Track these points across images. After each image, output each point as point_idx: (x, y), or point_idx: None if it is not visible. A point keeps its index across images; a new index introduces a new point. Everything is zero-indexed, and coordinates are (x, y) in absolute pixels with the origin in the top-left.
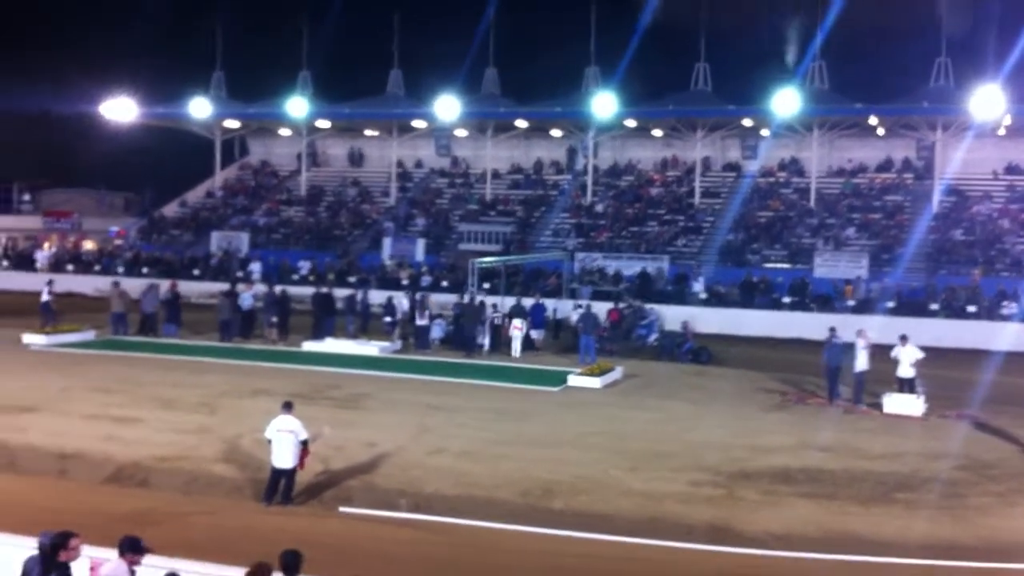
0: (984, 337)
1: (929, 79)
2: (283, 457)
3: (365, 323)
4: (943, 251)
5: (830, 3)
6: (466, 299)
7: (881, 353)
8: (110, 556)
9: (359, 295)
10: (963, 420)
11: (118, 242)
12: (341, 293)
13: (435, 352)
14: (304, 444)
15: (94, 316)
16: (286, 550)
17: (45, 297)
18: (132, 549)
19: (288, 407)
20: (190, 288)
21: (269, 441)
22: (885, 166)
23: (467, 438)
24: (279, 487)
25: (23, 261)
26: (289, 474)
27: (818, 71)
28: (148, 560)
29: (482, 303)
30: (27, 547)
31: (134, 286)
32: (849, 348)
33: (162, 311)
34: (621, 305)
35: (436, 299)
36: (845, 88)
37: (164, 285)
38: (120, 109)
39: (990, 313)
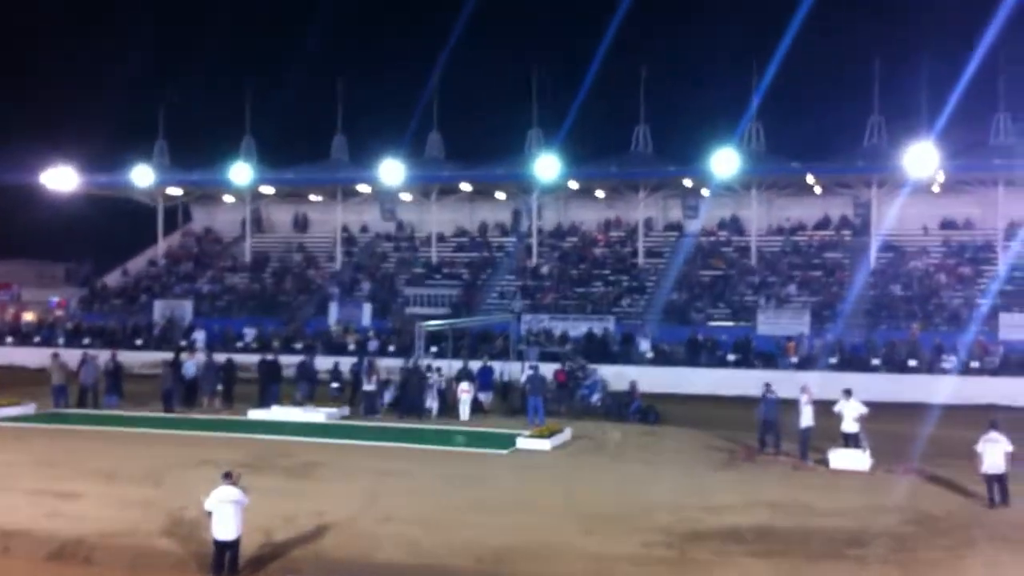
0: (925, 390)
1: (863, 138)
2: (227, 528)
3: (313, 389)
4: (882, 306)
5: (766, 65)
6: (410, 364)
7: (825, 409)
8: None
9: (308, 361)
10: (909, 474)
11: (59, 313)
12: (288, 360)
13: (383, 417)
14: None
15: (35, 389)
16: None
17: None
18: None
19: (228, 477)
20: (133, 358)
21: (209, 513)
22: (823, 223)
23: (418, 505)
24: (225, 561)
25: None
26: (234, 545)
27: (755, 132)
28: None
29: (428, 367)
30: None
31: (74, 357)
32: (785, 403)
33: (102, 382)
34: (567, 365)
35: (384, 364)
36: (782, 148)
37: (104, 356)
38: (61, 178)
39: (930, 367)
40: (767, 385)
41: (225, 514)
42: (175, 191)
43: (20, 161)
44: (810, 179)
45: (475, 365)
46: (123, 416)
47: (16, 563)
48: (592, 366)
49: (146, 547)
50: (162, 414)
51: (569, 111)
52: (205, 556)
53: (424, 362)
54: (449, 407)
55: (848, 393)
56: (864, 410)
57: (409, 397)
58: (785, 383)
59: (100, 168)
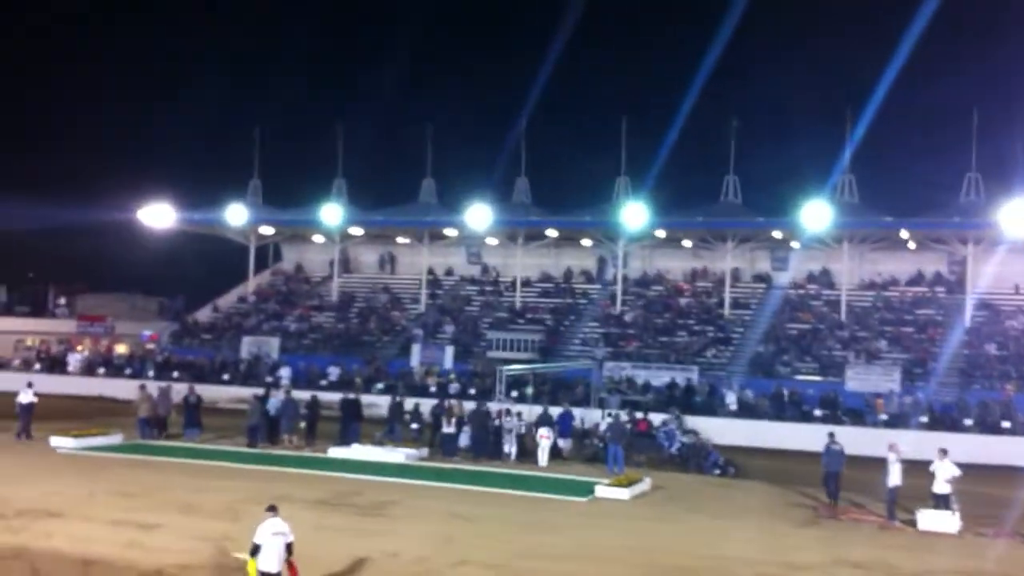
0: (1019, 453)
1: (959, 193)
2: (274, 561)
3: (392, 429)
4: (976, 365)
5: (859, 117)
6: (479, 407)
7: (914, 468)
8: None
9: (399, 401)
10: (1000, 538)
11: (150, 346)
12: (369, 399)
13: (462, 460)
14: (289, 548)
15: (123, 420)
16: None
17: (29, 398)
18: None
19: (273, 510)
20: (219, 392)
21: (257, 547)
22: (916, 279)
23: (492, 549)
24: None
25: (55, 364)
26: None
27: (848, 184)
28: None
29: (508, 411)
30: None
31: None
32: (866, 460)
33: (179, 413)
34: (668, 417)
35: (466, 407)
36: (875, 202)
37: (183, 389)
38: (157, 215)
39: None
40: (831, 435)
41: (274, 547)
42: (267, 230)
43: (119, 198)
44: (904, 234)
45: (555, 411)
46: (205, 449)
47: None
48: (667, 416)
49: None
50: (244, 448)
51: (657, 159)
52: None
53: (504, 406)
54: (528, 452)
55: (944, 452)
56: (957, 472)
57: (476, 437)
58: (873, 441)
59: (195, 206)
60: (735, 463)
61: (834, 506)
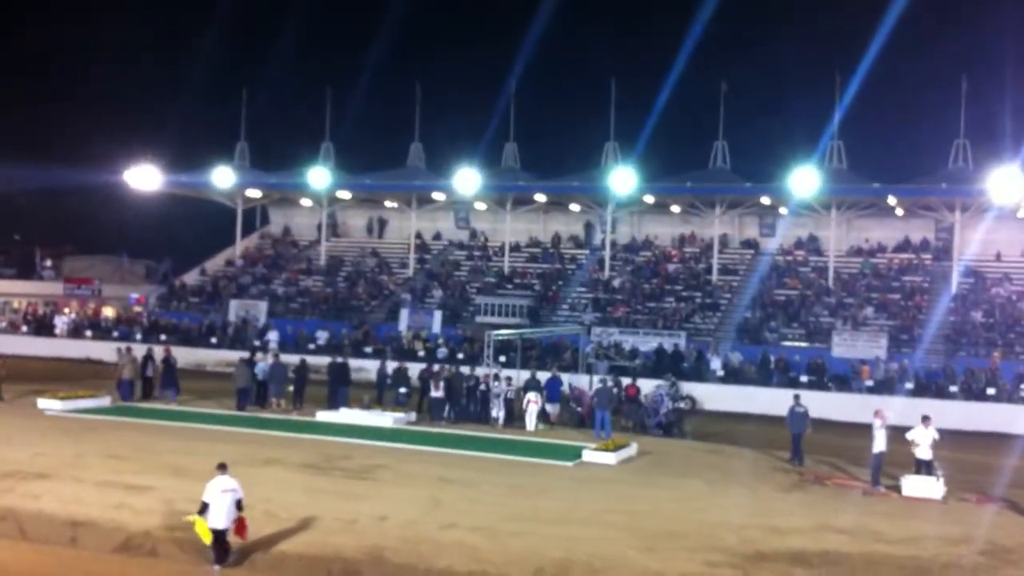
0: (1004, 420)
1: (948, 160)
2: (221, 517)
3: (381, 394)
4: (962, 333)
5: (848, 84)
6: (450, 368)
7: (899, 435)
8: None
9: (387, 366)
10: (984, 504)
11: (137, 309)
12: (357, 364)
13: (450, 425)
14: (239, 504)
15: (110, 382)
16: None
17: None
18: None
19: (223, 468)
20: (207, 356)
21: (205, 505)
22: (903, 246)
23: (480, 513)
24: (225, 547)
25: (43, 327)
26: (224, 533)
27: (836, 151)
28: None
29: (496, 375)
30: None
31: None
32: (855, 427)
33: (159, 376)
34: (662, 383)
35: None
36: (863, 168)
37: (158, 351)
38: (144, 177)
39: (1010, 396)
40: (796, 397)
41: (222, 504)
42: (254, 193)
43: (104, 160)
44: (891, 201)
45: (543, 376)
46: (193, 412)
47: (83, 554)
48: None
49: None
50: (232, 412)
51: (646, 125)
52: (271, 554)
53: (492, 371)
54: (515, 417)
55: (927, 420)
56: (936, 436)
57: (452, 400)
58: (859, 407)
59: (182, 168)
60: (682, 427)
61: (798, 466)
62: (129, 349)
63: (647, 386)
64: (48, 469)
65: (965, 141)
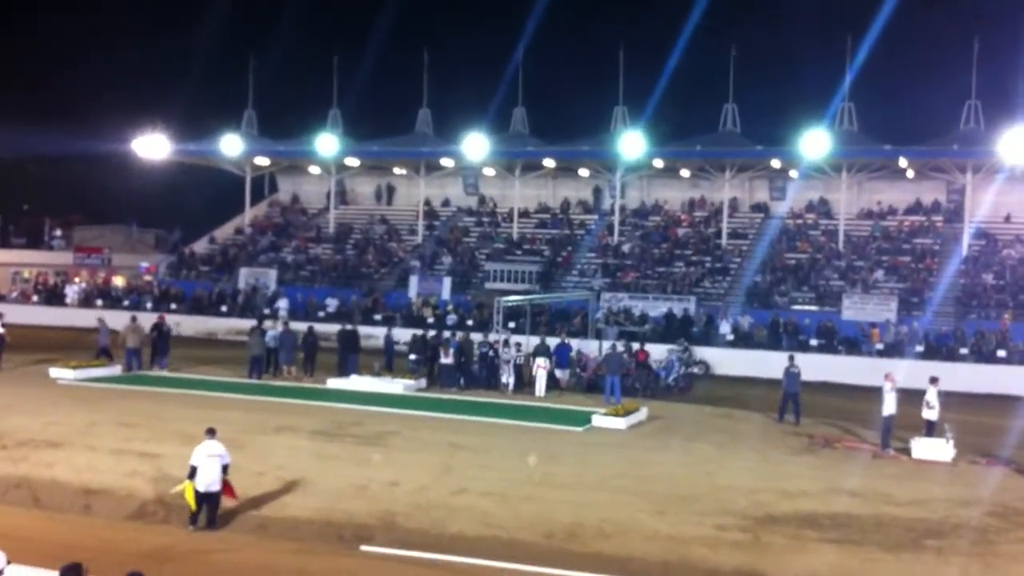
0: (1014, 382)
1: (959, 121)
2: (212, 481)
3: (390, 361)
4: (972, 295)
5: (859, 45)
6: (459, 335)
7: (908, 398)
8: None
9: (393, 332)
10: (993, 466)
11: (147, 278)
12: (367, 331)
13: (460, 391)
14: (225, 469)
15: (119, 351)
16: None
17: None
18: None
19: (211, 432)
20: (217, 324)
21: (193, 469)
22: (914, 209)
23: (491, 479)
24: (202, 510)
25: (53, 296)
26: (213, 497)
27: (847, 113)
28: None
29: (505, 341)
30: None
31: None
32: (862, 390)
33: (153, 345)
34: (675, 347)
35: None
36: (874, 130)
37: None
38: (152, 146)
39: (1020, 358)
40: (790, 358)
41: (210, 468)
42: (262, 161)
43: (113, 129)
44: (903, 163)
45: (552, 342)
46: (205, 380)
47: (97, 521)
48: (670, 348)
49: (224, 509)
50: (244, 380)
51: (656, 89)
52: (283, 520)
53: (501, 337)
54: (525, 383)
55: (935, 380)
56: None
57: (461, 366)
58: (869, 370)
59: (190, 137)
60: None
61: (795, 425)
62: (134, 318)
63: (656, 351)
64: (61, 438)
65: (977, 102)
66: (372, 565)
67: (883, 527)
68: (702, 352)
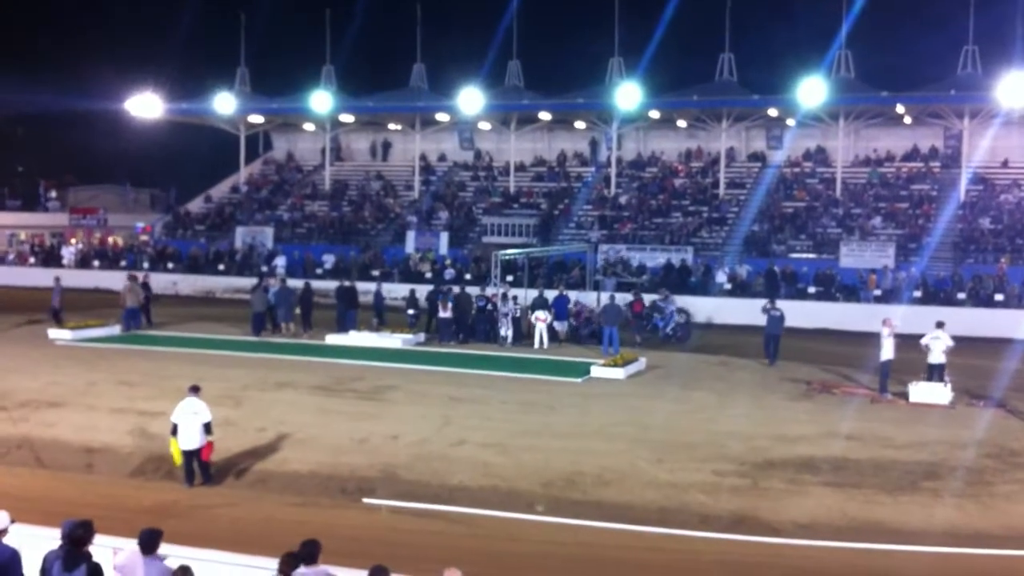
0: (1011, 326)
1: (956, 67)
2: (190, 438)
3: (380, 314)
4: (970, 240)
5: None
6: (456, 289)
7: (906, 343)
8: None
9: (379, 288)
10: (990, 408)
11: (144, 238)
12: (365, 287)
13: (458, 345)
14: (207, 428)
15: (117, 311)
16: (305, 540)
17: None
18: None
19: (195, 390)
20: (215, 283)
21: (175, 426)
22: (912, 155)
23: (490, 430)
24: (194, 468)
25: (50, 257)
26: (198, 454)
27: (844, 60)
28: (168, 551)
29: (504, 295)
30: (50, 539)
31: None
32: (862, 336)
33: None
34: (657, 296)
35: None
36: (871, 77)
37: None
38: (145, 105)
39: (1018, 301)
40: (772, 301)
41: (190, 426)
42: (256, 119)
43: (105, 88)
44: (900, 109)
45: (550, 294)
46: (204, 339)
47: (100, 479)
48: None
49: (225, 464)
50: (243, 337)
51: (651, 39)
52: (284, 475)
53: (499, 290)
54: (524, 336)
55: (940, 325)
56: (951, 343)
57: (459, 320)
58: (867, 316)
59: (183, 96)
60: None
61: (769, 366)
62: (134, 277)
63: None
64: (61, 397)
65: (974, 47)
66: (374, 517)
67: (881, 470)
68: (701, 302)
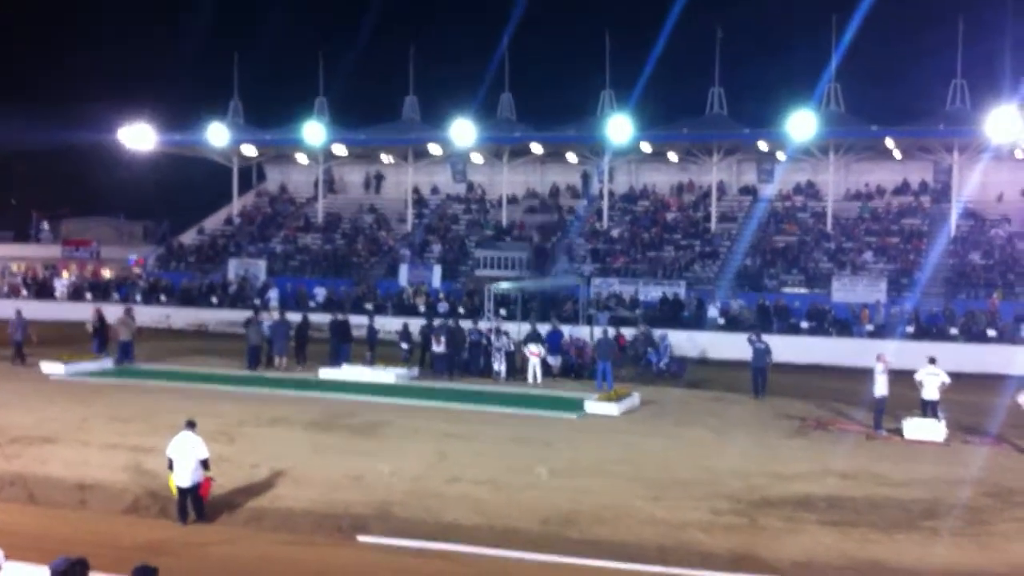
0: (1004, 361)
1: (945, 101)
2: (184, 476)
3: (372, 348)
4: (961, 274)
5: (845, 26)
6: (450, 323)
7: (899, 379)
8: None
9: (371, 322)
10: (986, 445)
11: (136, 270)
12: (358, 320)
13: (452, 379)
14: (205, 464)
15: (113, 344)
16: None
17: None
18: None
19: (191, 426)
20: (208, 316)
21: (170, 461)
22: (902, 189)
23: (485, 466)
24: (187, 505)
25: (42, 289)
26: (194, 491)
27: (834, 94)
28: None
29: (497, 329)
30: None
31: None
32: (860, 372)
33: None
34: (634, 330)
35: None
36: (861, 110)
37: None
38: (138, 137)
39: (1010, 337)
40: (756, 333)
41: (184, 462)
42: (249, 151)
43: (99, 120)
44: (889, 143)
45: (544, 328)
46: (197, 373)
47: (93, 516)
48: (660, 332)
49: (219, 501)
50: (235, 372)
51: (642, 73)
52: (279, 511)
53: (492, 324)
54: (517, 370)
55: (932, 361)
56: (947, 380)
57: (449, 355)
58: (860, 351)
59: (176, 127)
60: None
61: (755, 399)
62: (128, 310)
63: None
64: (54, 433)
65: (963, 81)
66: (369, 555)
67: (878, 508)
68: (694, 336)
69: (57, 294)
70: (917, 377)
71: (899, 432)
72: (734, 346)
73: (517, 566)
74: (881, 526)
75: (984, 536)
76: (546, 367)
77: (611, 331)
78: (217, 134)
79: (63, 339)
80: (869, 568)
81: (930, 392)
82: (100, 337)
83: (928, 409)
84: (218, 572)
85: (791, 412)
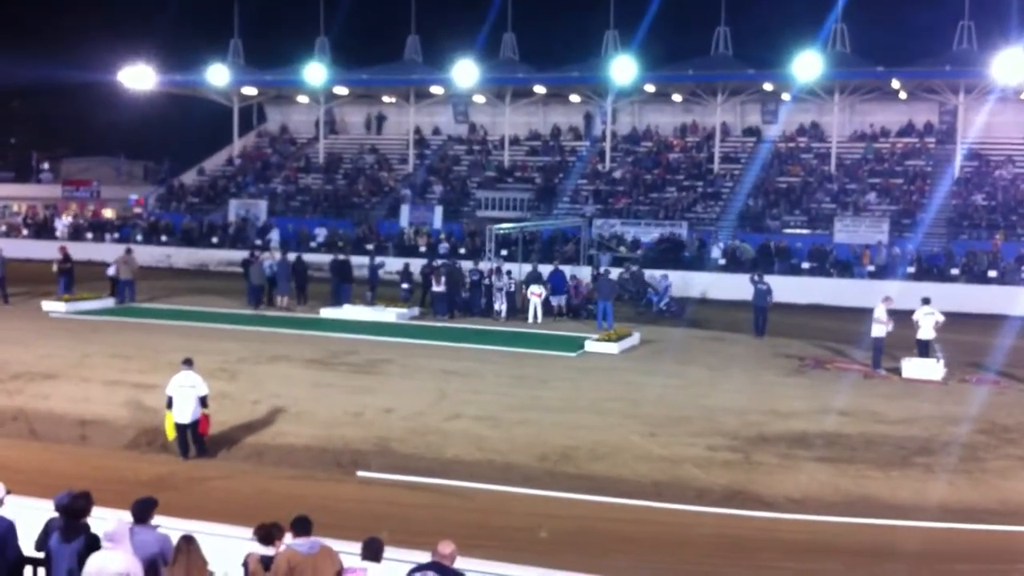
0: (1004, 302)
1: (952, 42)
2: (184, 412)
3: (373, 288)
4: (964, 216)
5: None
6: (448, 263)
7: (899, 319)
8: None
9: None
10: (983, 384)
11: (137, 210)
12: (359, 260)
13: (452, 319)
14: (203, 401)
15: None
16: (297, 517)
17: None
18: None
19: (188, 363)
20: (209, 256)
21: (169, 399)
22: (907, 130)
23: (485, 404)
24: (188, 441)
25: (43, 229)
26: (193, 427)
27: (840, 34)
28: (166, 522)
29: (497, 269)
30: (46, 510)
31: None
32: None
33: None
34: (623, 270)
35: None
36: (867, 52)
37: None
38: (138, 77)
39: (1011, 278)
40: (758, 274)
41: (184, 399)
42: (250, 91)
43: (98, 60)
44: (895, 84)
45: (545, 269)
46: (198, 311)
47: (94, 451)
48: (661, 273)
49: (220, 437)
50: (236, 310)
51: (647, 12)
52: (279, 447)
53: (494, 264)
54: (518, 310)
55: (926, 301)
56: (941, 318)
57: (450, 295)
58: (861, 292)
59: (177, 67)
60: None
61: (756, 338)
62: (128, 250)
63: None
64: (55, 370)
65: (970, 23)
66: (369, 490)
67: (873, 445)
68: (694, 277)
69: (58, 233)
70: (914, 317)
71: (897, 371)
72: (735, 286)
73: (515, 499)
74: (877, 463)
75: (977, 473)
76: (547, 307)
77: (613, 271)
78: (217, 74)
79: (80, 278)
80: (864, 504)
81: (926, 332)
82: (66, 276)
83: (923, 348)
84: (219, 506)
85: (790, 352)
